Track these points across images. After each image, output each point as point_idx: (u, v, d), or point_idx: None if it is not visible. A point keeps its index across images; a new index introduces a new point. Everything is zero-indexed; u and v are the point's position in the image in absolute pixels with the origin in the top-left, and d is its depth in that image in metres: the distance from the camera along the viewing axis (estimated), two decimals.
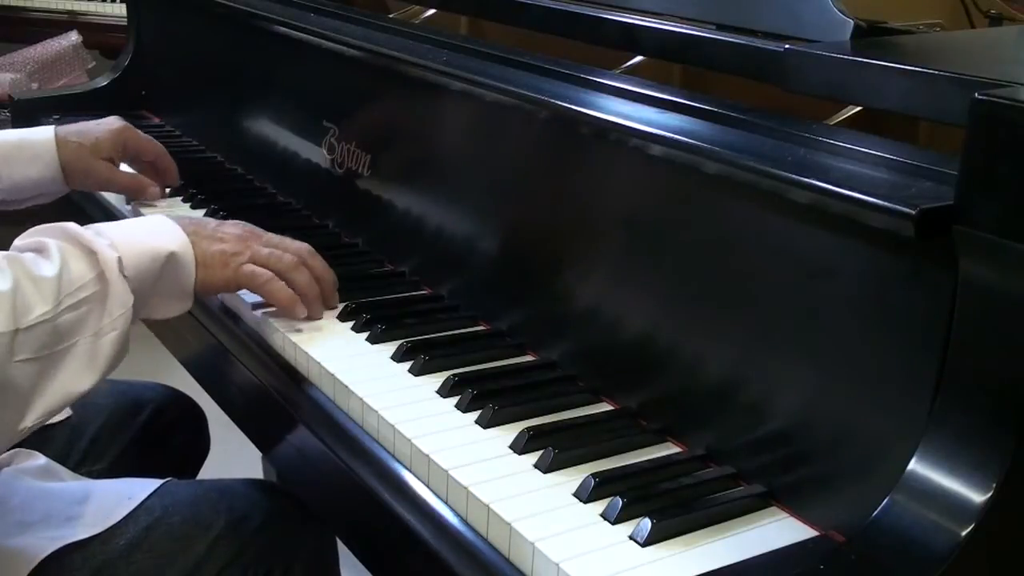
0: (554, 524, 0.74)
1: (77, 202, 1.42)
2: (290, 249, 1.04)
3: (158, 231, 0.96)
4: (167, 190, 1.39)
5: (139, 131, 1.36)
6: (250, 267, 1.00)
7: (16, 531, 0.93)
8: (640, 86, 0.95)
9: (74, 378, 0.85)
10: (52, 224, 0.91)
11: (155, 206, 1.36)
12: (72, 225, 0.90)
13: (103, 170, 1.31)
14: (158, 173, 1.38)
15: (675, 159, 0.84)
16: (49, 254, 0.86)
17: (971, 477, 0.64)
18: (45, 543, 0.92)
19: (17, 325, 0.81)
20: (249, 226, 1.05)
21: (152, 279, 0.93)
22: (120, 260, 0.89)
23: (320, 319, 1.04)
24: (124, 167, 1.37)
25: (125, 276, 0.89)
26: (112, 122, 1.34)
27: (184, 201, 1.39)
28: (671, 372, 0.86)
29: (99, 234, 0.90)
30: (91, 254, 0.88)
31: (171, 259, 0.95)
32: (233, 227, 1.03)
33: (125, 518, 0.97)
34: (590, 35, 1.10)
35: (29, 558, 0.91)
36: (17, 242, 0.90)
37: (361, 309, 1.05)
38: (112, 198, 1.42)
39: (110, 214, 1.39)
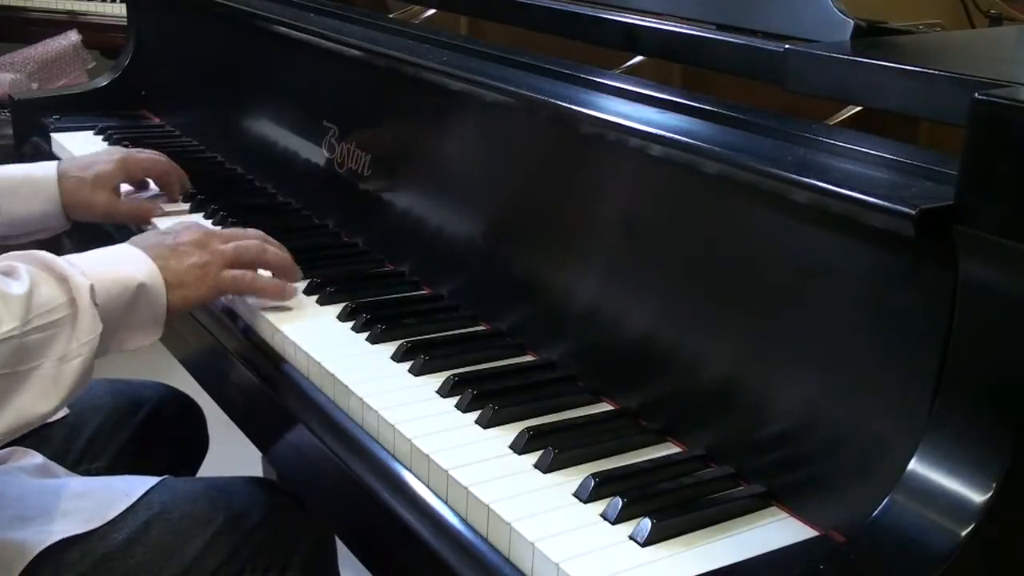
0: (554, 524, 0.74)
1: None
2: (248, 235, 1.06)
3: (125, 260, 0.97)
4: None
5: (140, 154, 1.37)
6: (229, 273, 1.02)
7: (13, 525, 0.93)
8: (640, 86, 0.95)
9: (34, 401, 0.85)
10: (25, 251, 0.91)
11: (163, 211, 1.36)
12: (44, 253, 0.90)
13: (103, 203, 1.31)
14: (168, 186, 1.39)
15: (675, 159, 0.84)
16: (19, 276, 0.86)
17: (971, 477, 0.64)
18: (43, 536, 0.92)
19: None
20: (196, 225, 1.06)
21: (123, 308, 0.93)
22: (92, 288, 0.89)
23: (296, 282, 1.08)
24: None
25: (96, 304, 0.89)
26: (112, 152, 1.36)
27: (184, 201, 1.39)
28: (671, 372, 0.86)
29: (71, 264, 0.91)
30: (63, 280, 0.88)
31: (141, 289, 0.95)
32: (187, 233, 1.03)
33: (124, 513, 0.97)
34: (590, 35, 1.10)
35: (26, 551, 0.91)
36: None
37: (361, 309, 1.05)
38: None
39: None
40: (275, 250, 1.07)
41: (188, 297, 0.99)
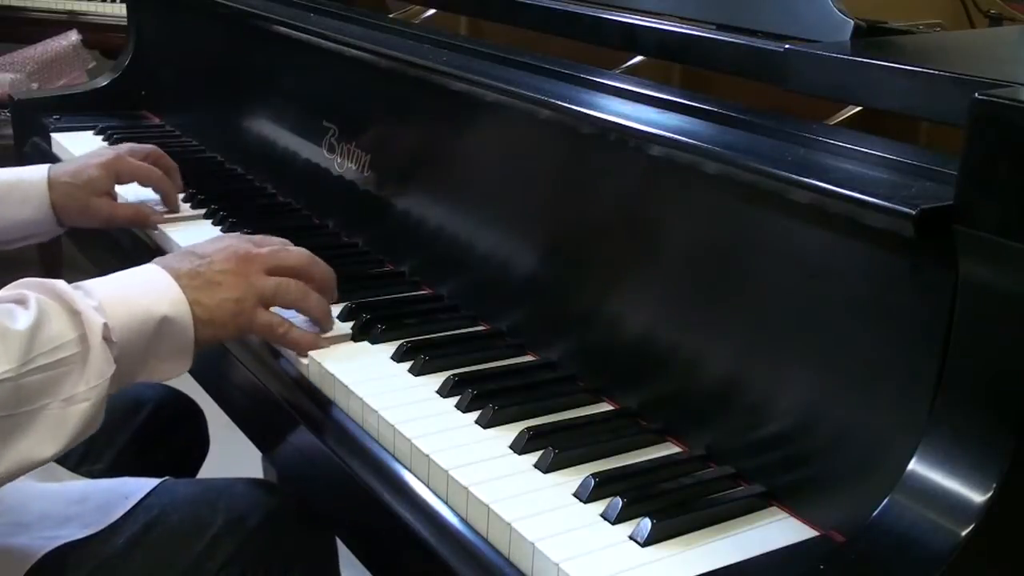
0: (554, 524, 0.74)
1: None
2: (289, 262, 0.99)
3: (150, 288, 0.90)
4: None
5: (132, 160, 1.33)
6: (265, 318, 0.96)
7: (13, 531, 0.93)
8: (640, 86, 0.95)
9: (36, 444, 0.80)
10: (40, 279, 0.86)
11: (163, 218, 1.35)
12: (59, 283, 0.85)
13: (102, 208, 1.28)
14: (164, 195, 1.36)
15: (675, 159, 0.84)
16: (28, 306, 0.81)
17: (971, 477, 0.64)
18: (43, 542, 0.92)
19: None
20: (238, 247, 0.98)
21: (143, 343, 0.87)
22: (106, 326, 0.83)
23: (331, 330, 1.02)
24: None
25: (112, 342, 0.84)
26: (104, 154, 1.32)
27: (184, 201, 1.39)
28: (671, 372, 0.86)
29: (88, 294, 0.85)
30: (75, 314, 0.82)
31: (165, 322, 0.89)
32: (225, 260, 0.95)
33: (123, 516, 0.97)
34: (590, 35, 1.10)
35: (26, 557, 0.90)
36: (0, 293, 0.85)
37: (361, 309, 1.05)
38: None
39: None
40: (317, 297, 1.00)
41: (218, 336, 0.94)
